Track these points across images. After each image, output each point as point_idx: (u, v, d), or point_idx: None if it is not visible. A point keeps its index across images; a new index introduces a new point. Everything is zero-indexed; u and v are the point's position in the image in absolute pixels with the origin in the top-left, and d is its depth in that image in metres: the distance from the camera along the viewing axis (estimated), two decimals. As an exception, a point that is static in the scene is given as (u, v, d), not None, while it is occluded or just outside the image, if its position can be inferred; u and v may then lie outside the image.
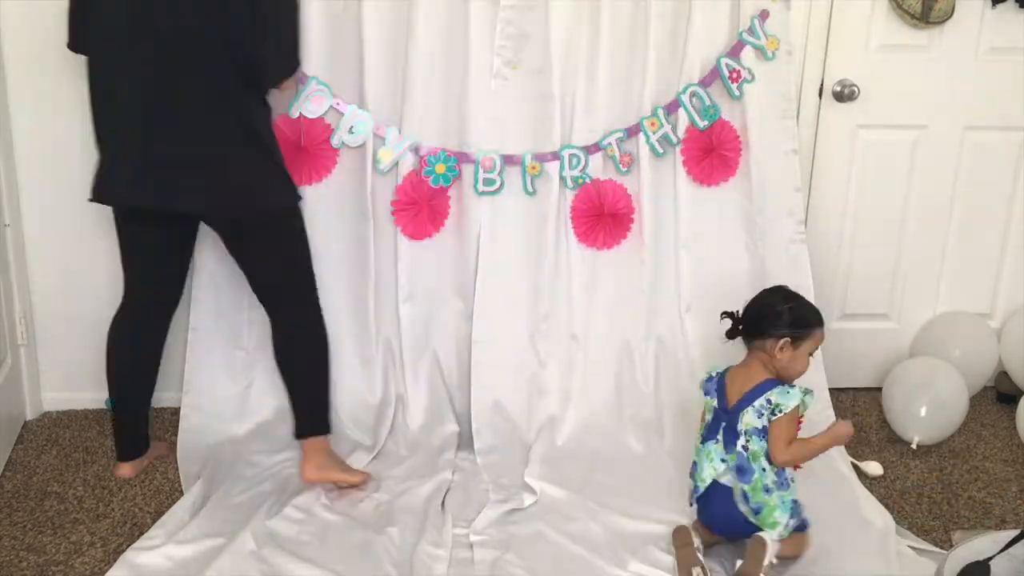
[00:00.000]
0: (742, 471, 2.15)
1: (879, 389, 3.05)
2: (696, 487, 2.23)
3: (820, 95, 2.91)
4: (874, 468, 2.68)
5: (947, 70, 2.93)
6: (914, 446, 2.80)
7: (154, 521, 2.33)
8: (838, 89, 2.90)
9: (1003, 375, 3.16)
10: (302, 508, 2.38)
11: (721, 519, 2.21)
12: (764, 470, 2.13)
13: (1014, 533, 1.91)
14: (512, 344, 2.79)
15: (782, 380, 2.19)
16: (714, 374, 2.28)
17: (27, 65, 2.66)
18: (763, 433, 2.13)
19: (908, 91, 2.94)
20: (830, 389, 2.90)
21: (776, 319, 2.20)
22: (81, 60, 2.68)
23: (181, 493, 2.47)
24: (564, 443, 2.72)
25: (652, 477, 2.56)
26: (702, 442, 2.23)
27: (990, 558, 1.85)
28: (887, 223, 3.06)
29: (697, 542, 2.17)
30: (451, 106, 2.66)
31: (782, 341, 2.17)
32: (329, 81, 2.60)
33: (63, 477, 2.56)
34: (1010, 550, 1.87)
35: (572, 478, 2.55)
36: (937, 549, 2.30)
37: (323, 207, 2.67)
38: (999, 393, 3.15)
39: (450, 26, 2.60)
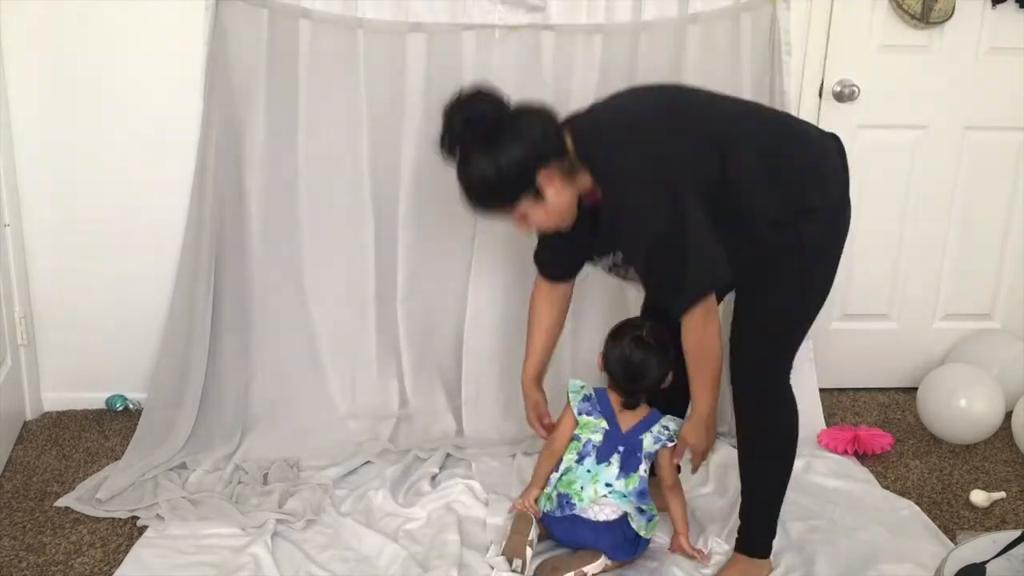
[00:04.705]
0: (643, 495, 2.17)
1: (878, 389, 3.05)
2: (568, 501, 2.15)
3: (820, 95, 2.91)
4: (979, 497, 2.55)
5: (947, 70, 2.92)
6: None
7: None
8: (838, 89, 2.89)
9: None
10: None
11: (569, 541, 2.19)
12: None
13: (1016, 534, 1.91)
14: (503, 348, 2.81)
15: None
16: (590, 393, 2.22)
17: (27, 65, 2.65)
18: (650, 457, 2.19)
19: (908, 91, 2.93)
20: (831, 389, 2.90)
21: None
22: (78, 60, 2.69)
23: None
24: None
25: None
26: (578, 461, 2.17)
27: (987, 561, 1.85)
28: (887, 223, 3.06)
29: (533, 535, 2.15)
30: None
31: None
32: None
33: (63, 477, 2.56)
34: (1010, 551, 1.87)
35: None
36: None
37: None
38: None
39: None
